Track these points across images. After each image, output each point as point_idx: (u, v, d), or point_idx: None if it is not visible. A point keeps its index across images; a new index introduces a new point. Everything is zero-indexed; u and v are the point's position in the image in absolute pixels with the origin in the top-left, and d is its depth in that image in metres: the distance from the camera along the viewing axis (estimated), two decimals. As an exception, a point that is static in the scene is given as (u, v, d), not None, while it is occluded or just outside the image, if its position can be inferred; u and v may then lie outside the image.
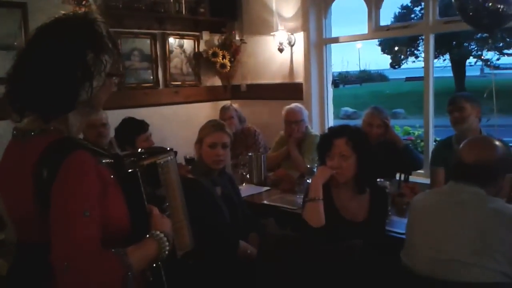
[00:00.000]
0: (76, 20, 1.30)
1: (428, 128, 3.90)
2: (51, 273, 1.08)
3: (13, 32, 3.76)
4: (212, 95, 5.18)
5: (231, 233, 2.50)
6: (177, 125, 4.82)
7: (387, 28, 4.18)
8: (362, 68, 35.64)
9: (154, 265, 1.31)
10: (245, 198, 3.10)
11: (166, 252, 1.30)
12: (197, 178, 2.54)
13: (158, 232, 1.29)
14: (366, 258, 1.91)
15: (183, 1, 4.73)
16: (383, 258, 1.95)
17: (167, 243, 1.30)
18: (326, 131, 2.33)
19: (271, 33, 4.71)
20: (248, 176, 3.47)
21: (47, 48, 1.24)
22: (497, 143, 1.80)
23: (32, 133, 1.23)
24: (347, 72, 33.64)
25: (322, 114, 4.72)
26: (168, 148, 1.62)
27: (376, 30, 4.18)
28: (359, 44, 33.29)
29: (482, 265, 1.60)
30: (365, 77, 32.06)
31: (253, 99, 5.09)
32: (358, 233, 2.07)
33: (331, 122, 4.80)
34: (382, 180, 2.76)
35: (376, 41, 20.63)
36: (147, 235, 1.28)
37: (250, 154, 3.50)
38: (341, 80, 29.56)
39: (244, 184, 3.40)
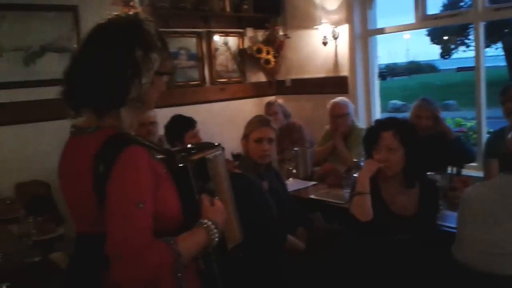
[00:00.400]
0: (126, 20, 1.36)
1: (480, 120, 3.77)
2: (108, 263, 1.14)
3: (66, 34, 3.93)
4: (257, 91, 5.21)
5: (278, 227, 2.51)
6: (224, 121, 4.88)
7: (434, 16, 4.06)
8: (410, 59, 34.67)
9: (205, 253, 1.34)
10: (291, 192, 3.11)
11: (216, 239, 1.33)
12: (244, 172, 2.57)
13: (206, 221, 1.33)
14: (416, 252, 1.88)
15: (227, -1, 4.79)
16: (434, 252, 1.91)
17: (215, 231, 1.33)
18: (373, 123, 2.29)
19: (315, 27, 4.69)
20: (294, 171, 3.47)
21: (99, 47, 1.30)
22: None
23: (89, 130, 1.29)
24: (394, 64, 32.84)
25: (369, 107, 4.65)
26: (216, 144, 1.67)
27: (423, 19, 4.07)
28: (407, 35, 32.41)
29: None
30: (413, 68, 31.16)
31: (298, 94, 5.08)
32: (408, 227, 2.04)
33: (378, 115, 4.71)
34: (432, 173, 2.70)
35: (424, 31, 20.04)
36: (196, 224, 1.32)
37: (296, 148, 3.50)
38: (388, 72, 28.91)
39: (290, 179, 3.41)
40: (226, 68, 5.03)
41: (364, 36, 4.55)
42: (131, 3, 3.36)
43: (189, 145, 1.68)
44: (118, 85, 1.27)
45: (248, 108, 5.00)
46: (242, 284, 2.43)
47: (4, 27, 3.70)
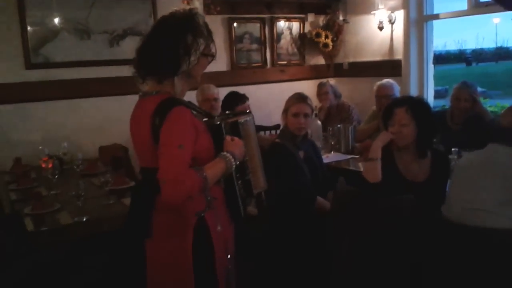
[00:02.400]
0: (183, 14, 1.82)
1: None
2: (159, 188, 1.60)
3: (144, 20, 4.50)
4: (315, 73, 5.54)
5: (310, 190, 2.89)
6: (283, 100, 5.22)
7: (485, 4, 4.15)
8: (499, 45, 32.63)
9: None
10: (332, 163, 3.49)
11: (233, 166, 1.76)
12: (282, 142, 2.97)
13: (225, 153, 1.76)
14: (418, 212, 2.18)
15: (290, -15, 5.13)
16: (431, 210, 2.20)
17: (232, 160, 1.75)
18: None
19: (372, 12, 4.91)
20: (337, 145, 3.81)
21: (162, 32, 1.78)
22: None
23: (151, 94, 1.77)
24: (481, 49, 31.16)
25: (421, 91, 4.81)
26: (248, 111, 2.11)
27: (475, 6, 4.18)
28: (496, 19, 30.58)
29: (505, 215, 1.80)
30: (502, 54, 29.36)
31: (355, 76, 5.34)
32: (418, 192, 2.33)
33: (430, 99, 4.87)
34: (456, 149, 2.94)
35: (512, 15, 18.82)
36: (218, 155, 1.76)
37: (339, 125, 3.83)
38: (474, 57, 27.57)
39: (332, 152, 3.76)
40: (287, 51, 5.40)
41: (419, 21, 4.71)
42: (191, -4, 3.87)
43: (227, 112, 2.13)
44: (173, 60, 1.75)
45: (306, 88, 5.26)
46: (276, 239, 2.86)
47: (93, 13, 4.34)
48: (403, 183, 2.42)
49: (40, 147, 3.65)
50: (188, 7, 1.98)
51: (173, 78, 1.76)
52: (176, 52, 1.73)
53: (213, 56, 1.89)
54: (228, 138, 1.82)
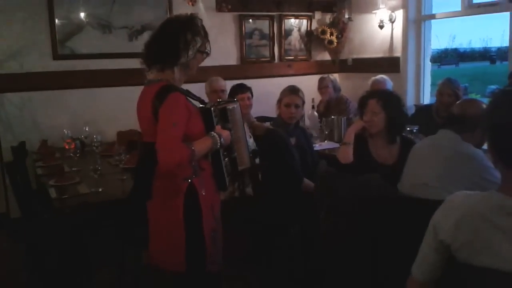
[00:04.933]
0: (184, 17, 2.23)
1: None
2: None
3: (161, 16, 4.87)
4: (321, 68, 5.85)
5: (298, 172, 3.25)
6: (289, 94, 5.60)
7: (478, 5, 4.41)
8: (525, 43, 32.01)
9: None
10: (325, 150, 3.84)
11: (218, 145, 2.14)
12: (276, 129, 3.33)
13: (213, 133, 2.14)
14: (383, 189, 2.51)
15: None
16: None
17: (218, 139, 2.13)
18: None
19: (373, 11, 5.21)
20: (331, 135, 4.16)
21: (167, 30, 2.17)
22: (484, 105, 2.28)
23: (154, 81, 2.15)
24: (506, 47, 30.71)
25: (418, 87, 5.10)
26: (235, 99, 2.49)
27: (469, 7, 4.46)
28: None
29: (443, 188, 2.12)
30: (527, 52, 28.81)
31: (358, 72, 5.65)
32: (386, 174, 2.67)
33: (427, 95, 5.14)
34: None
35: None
36: (207, 134, 2.14)
37: (332, 117, 4.18)
38: (499, 55, 27.27)
39: (326, 140, 4.11)
40: (294, 47, 5.75)
41: (417, 20, 4.99)
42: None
43: (219, 100, 2.52)
44: (174, 52, 2.13)
45: (312, 83, 5.61)
46: (268, 213, 3.23)
47: (114, 9, 4.77)
48: (373, 165, 2.77)
49: (65, 131, 4.10)
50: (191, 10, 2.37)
51: (173, 68, 2.14)
52: (176, 46, 2.11)
53: (207, 54, 2.28)
54: (218, 127, 2.20)
